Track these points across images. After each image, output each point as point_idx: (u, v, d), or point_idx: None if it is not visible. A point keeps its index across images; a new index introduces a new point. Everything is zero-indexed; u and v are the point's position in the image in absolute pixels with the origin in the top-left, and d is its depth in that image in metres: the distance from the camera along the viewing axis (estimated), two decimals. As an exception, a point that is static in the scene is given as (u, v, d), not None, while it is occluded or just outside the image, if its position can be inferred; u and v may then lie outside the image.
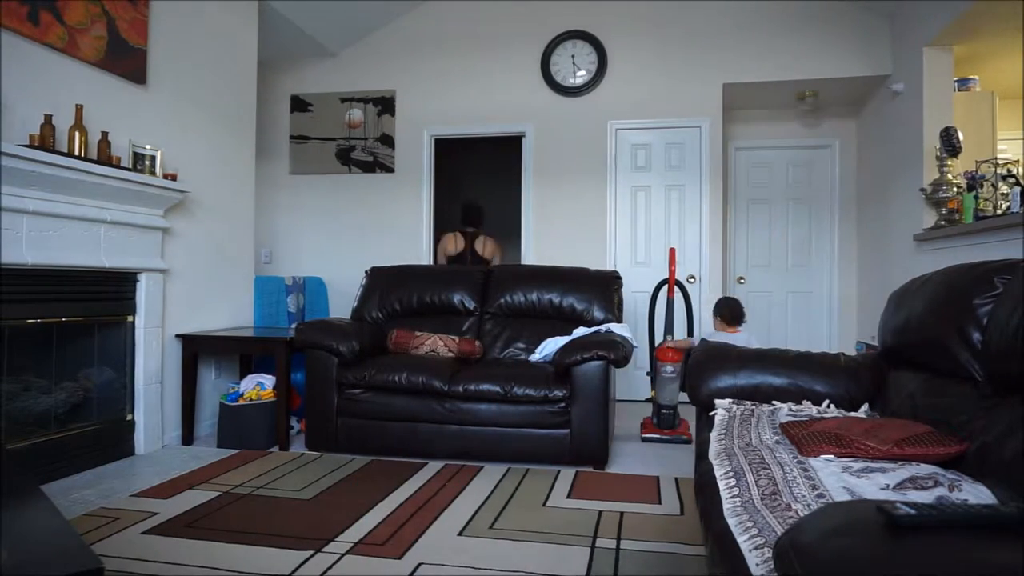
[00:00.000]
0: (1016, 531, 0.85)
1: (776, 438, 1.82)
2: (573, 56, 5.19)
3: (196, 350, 3.61)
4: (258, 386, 3.59)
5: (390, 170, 5.49)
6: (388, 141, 5.48)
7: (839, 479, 1.41)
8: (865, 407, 2.12)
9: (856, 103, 5.47)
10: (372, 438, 3.35)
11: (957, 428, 1.60)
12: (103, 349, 3.23)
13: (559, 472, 3.08)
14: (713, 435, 1.93)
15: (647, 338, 4.21)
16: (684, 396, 3.58)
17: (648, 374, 4.17)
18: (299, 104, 5.63)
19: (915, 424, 1.65)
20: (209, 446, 3.53)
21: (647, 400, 4.11)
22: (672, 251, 3.85)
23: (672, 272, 3.87)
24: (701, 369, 2.34)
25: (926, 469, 1.42)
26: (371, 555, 2.12)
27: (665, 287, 3.98)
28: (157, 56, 3.48)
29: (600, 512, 2.52)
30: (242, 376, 3.92)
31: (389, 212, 5.48)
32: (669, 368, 3.70)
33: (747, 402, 2.22)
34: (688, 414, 3.84)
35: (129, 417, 3.31)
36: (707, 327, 4.59)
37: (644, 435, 3.76)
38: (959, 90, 4.40)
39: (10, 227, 2.62)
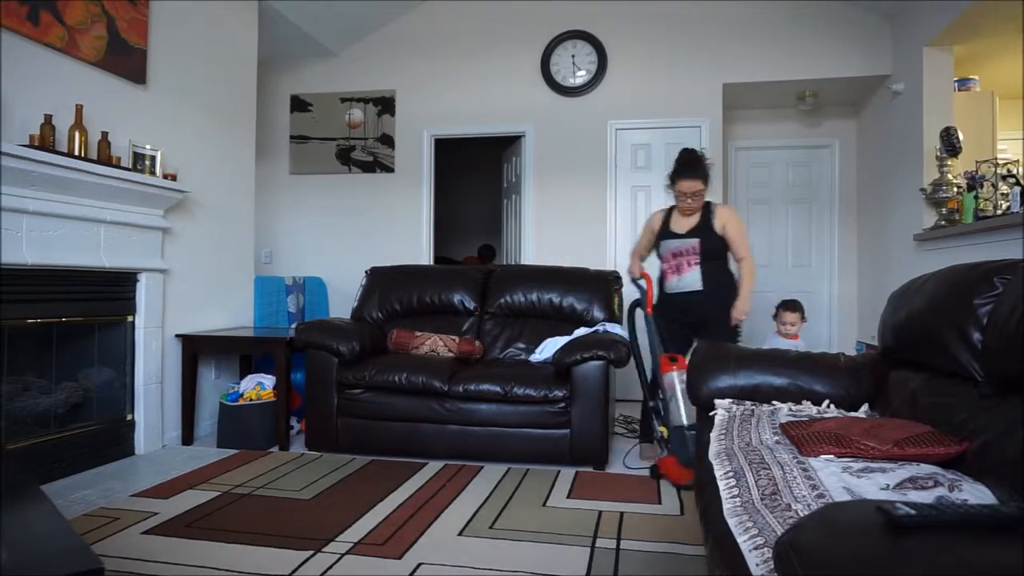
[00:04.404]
0: (1016, 531, 0.85)
1: (776, 438, 1.82)
2: (573, 56, 5.19)
3: (196, 350, 3.61)
4: (258, 386, 3.59)
5: (390, 170, 5.49)
6: (388, 141, 5.48)
7: (839, 479, 1.41)
8: (865, 407, 2.12)
9: (856, 103, 5.47)
10: (372, 438, 3.35)
11: (957, 428, 1.60)
12: (103, 349, 3.23)
13: (559, 472, 3.08)
14: (713, 435, 1.93)
15: (636, 364, 3.41)
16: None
17: (647, 415, 3.32)
18: (299, 104, 5.63)
19: (915, 424, 1.65)
20: (209, 446, 3.53)
21: (657, 443, 3.19)
22: (648, 279, 3.26)
23: (649, 297, 3.23)
24: (701, 369, 2.34)
25: (926, 469, 1.42)
26: (371, 555, 2.12)
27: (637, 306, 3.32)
28: (157, 56, 3.47)
29: (600, 512, 2.52)
30: (242, 376, 3.91)
31: (389, 212, 5.48)
32: (680, 376, 2.88)
33: (747, 402, 2.22)
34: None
35: (129, 417, 3.31)
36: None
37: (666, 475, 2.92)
38: (959, 90, 4.39)
39: (10, 227, 2.62)
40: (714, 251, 3.19)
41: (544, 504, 2.63)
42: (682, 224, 3.25)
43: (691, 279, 3.19)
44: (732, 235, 3.20)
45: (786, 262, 5.73)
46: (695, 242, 3.19)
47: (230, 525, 2.36)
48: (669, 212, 3.33)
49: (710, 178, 3.20)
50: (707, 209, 3.25)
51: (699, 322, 3.18)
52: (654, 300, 3.29)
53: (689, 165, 3.16)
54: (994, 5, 3.63)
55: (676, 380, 2.91)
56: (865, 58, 4.80)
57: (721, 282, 3.21)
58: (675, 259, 3.23)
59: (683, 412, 2.87)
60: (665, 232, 3.29)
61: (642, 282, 3.30)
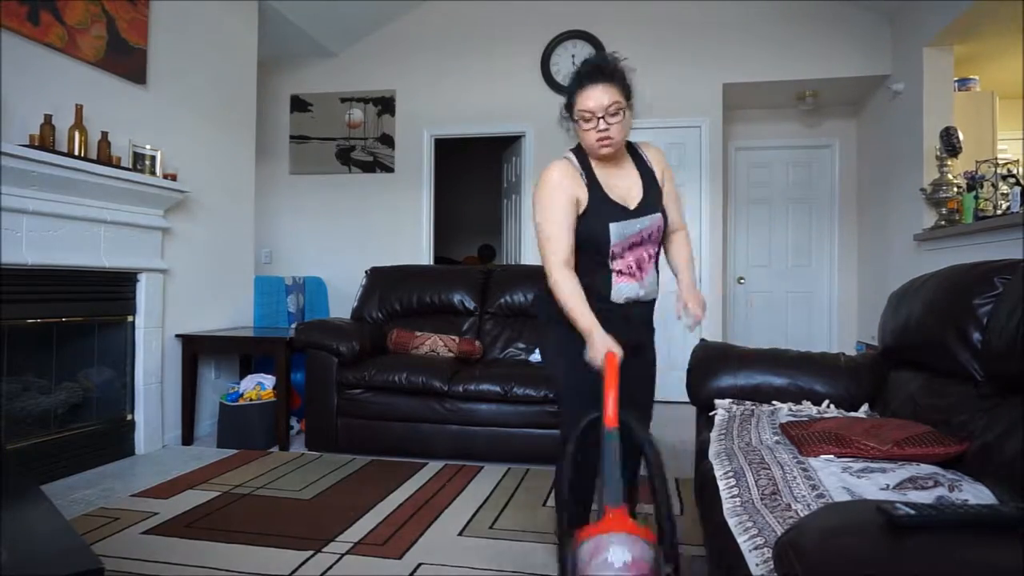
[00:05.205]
0: (1016, 531, 0.85)
1: (776, 438, 1.82)
2: (573, 56, 5.19)
3: (196, 350, 3.61)
4: (258, 386, 3.59)
5: (390, 170, 5.49)
6: (388, 141, 5.48)
7: (839, 479, 1.41)
8: (865, 407, 2.12)
9: (856, 103, 5.47)
10: (372, 438, 3.35)
11: (957, 428, 1.60)
12: (103, 349, 3.23)
13: (559, 472, 3.08)
14: (713, 435, 1.93)
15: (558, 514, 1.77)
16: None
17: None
18: (299, 104, 5.63)
19: (915, 424, 1.65)
20: (209, 446, 3.53)
21: None
22: (611, 357, 1.54)
23: (613, 399, 1.41)
24: (701, 369, 2.34)
25: (926, 469, 1.42)
26: (371, 555, 2.11)
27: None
28: (157, 56, 3.47)
29: (600, 512, 2.52)
30: (242, 376, 3.91)
31: (389, 212, 5.47)
32: (619, 553, 1.11)
33: (747, 402, 2.22)
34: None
35: (129, 417, 3.30)
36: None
37: None
38: (959, 90, 4.39)
39: (10, 227, 2.62)
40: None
41: (544, 504, 2.62)
42: (621, 185, 1.85)
43: (651, 283, 1.88)
44: (672, 191, 1.97)
45: (786, 262, 5.73)
46: (659, 219, 1.86)
47: (230, 525, 2.36)
48: (588, 170, 1.83)
49: (633, 92, 1.86)
50: (636, 155, 1.96)
51: (634, 346, 1.79)
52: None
53: (594, 66, 1.79)
54: (994, 5, 3.63)
55: (608, 560, 1.13)
56: (865, 58, 4.80)
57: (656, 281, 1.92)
58: (633, 252, 1.82)
59: None
60: (610, 209, 1.80)
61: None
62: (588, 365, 1.64)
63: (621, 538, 1.11)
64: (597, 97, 1.73)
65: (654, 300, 1.92)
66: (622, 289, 1.82)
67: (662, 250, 1.96)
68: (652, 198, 1.86)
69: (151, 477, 2.94)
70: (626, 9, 5.12)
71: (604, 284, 1.81)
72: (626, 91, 1.80)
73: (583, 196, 1.79)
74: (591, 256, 1.82)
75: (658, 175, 1.91)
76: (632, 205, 1.82)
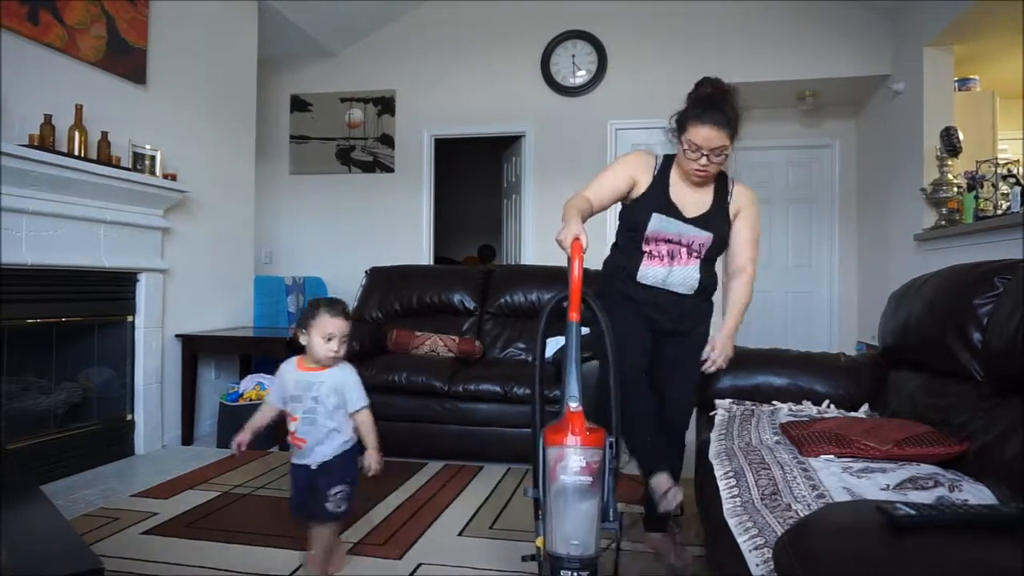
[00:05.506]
0: (1016, 531, 0.85)
1: (776, 438, 1.82)
2: (573, 56, 5.19)
3: (196, 350, 3.61)
4: (258, 386, 3.58)
5: (390, 170, 5.49)
6: (388, 141, 5.48)
7: (839, 479, 1.41)
8: (865, 407, 2.12)
9: (856, 103, 5.47)
10: (372, 438, 3.34)
11: (957, 428, 1.60)
12: (103, 349, 3.23)
13: (559, 472, 3.07)
14: (713, 435, 1.93)
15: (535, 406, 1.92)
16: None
17: (529, 494, 1.65)
18: (299, 104, 5.63)
19: (915, 424, 1.65)
20: (209, 446, 3.53)
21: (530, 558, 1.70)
22: (576, 244, 1.84)
23: (575, 289, 1.81)
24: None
25: (926, 469, 1.42)
26: (371, 555, 2.12)
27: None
28: (157, 56, 3.47)
29: (600, 512, 2.51)
30: (242, 376, 3.91)
31: (389, 212, 5.48)
32: (575, 461, 1.46)
33: (747, 402, 2.22)
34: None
35: (129, 417, 3.30)
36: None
37: None
38: (959, 90, 4.39)
39: (10, 227, 2.62)
40: (720, 251, 2.06)
41: (544, 504, 2.62)
42: (688, 199, 2.00)
43: (685, 277, 2.00)
44: (744, 230, 2.06)
45: (786, 262, 5.73)
46: (706, 238, 1.99)
47: (230, 525, 2.36)
48: (665, 170, 2.06)
49: (739, 134, 1.98)
50: (723, 184, 2.06)
51: (669, 331, 2.05)
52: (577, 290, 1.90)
53: (713, 102, 1.95)
54: (994, 5, 3.63)
55: (558, 471, 1.45)
56: (865, 58, 4.80)
57: (710, 293, 2.09)
58: (668, 246, 2.00)
59: (563, 530, 1.41)
60: (662, 203, 2.00)
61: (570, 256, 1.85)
62: (630, 319, 2.04)
63: (576, 449, 1.45)
64: (708, 137, 1.90)
65: (688, 297, 2.03)
66: (648, 272, 2.02)
67: (718, 274, 2.11)
68: (709, 220, 2.01)
69: (151, 477, 2.94)
70: (626, 9, 5.12)
71: (635, 265, 2.04)
72: (734, 134, 1.97)
73: (644, 180, 2.05)
74: (630, 238, 2.07)
75: (732, 209, 2.06)
76: (688, 215, 2.01)
